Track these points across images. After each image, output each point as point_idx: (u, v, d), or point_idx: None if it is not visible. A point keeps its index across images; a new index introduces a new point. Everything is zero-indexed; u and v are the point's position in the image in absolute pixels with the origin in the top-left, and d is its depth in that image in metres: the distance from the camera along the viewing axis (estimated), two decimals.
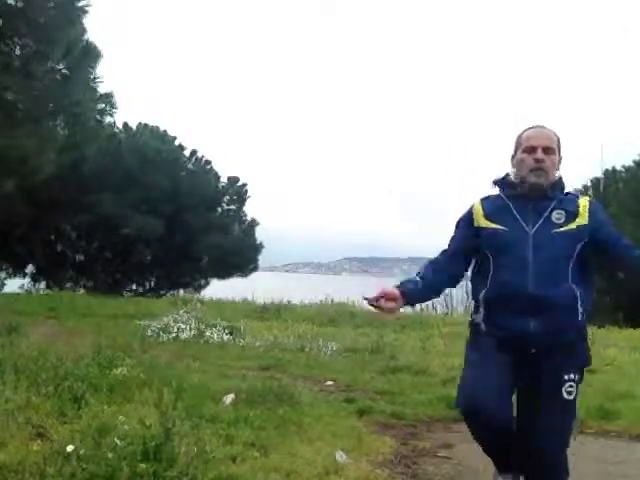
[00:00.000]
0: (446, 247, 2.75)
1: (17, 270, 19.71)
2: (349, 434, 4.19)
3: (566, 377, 2.51)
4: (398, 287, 2.59)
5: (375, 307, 2.54)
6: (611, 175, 20.72)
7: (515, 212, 2.57)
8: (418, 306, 17.74)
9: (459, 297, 17.52)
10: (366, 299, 2.56)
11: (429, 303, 18.00)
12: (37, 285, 19.82)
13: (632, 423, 4.93)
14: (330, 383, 6.35)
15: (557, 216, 2.54)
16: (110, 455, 2.72)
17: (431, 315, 15.40)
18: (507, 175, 2.68)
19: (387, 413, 5.04)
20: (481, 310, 2.61)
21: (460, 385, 2.63)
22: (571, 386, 2.52)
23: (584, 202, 2.59)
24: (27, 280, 19.76)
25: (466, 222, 2.69)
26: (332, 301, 16.10)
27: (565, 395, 2.50)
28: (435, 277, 2.68)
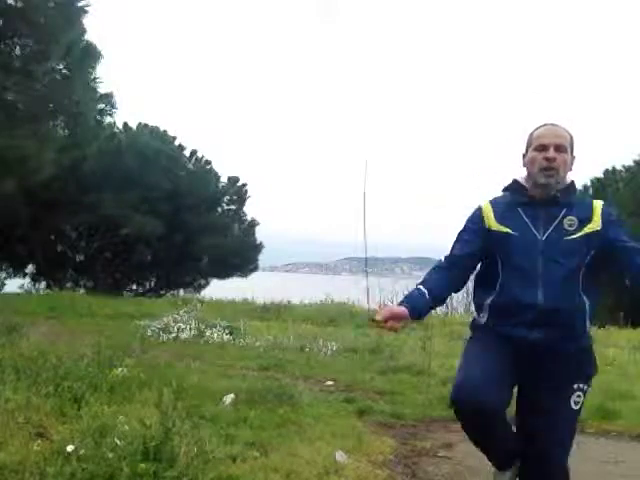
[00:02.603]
0: (451, 250, 2.59)
1: (17, 270, 19.71)
2: (349, 434, 4.19)
3: (576, 386, 2.44)
4: (404, 304, 2.43)
5: (384, 328, 2.40)
6: (611, 175, 20.73)
7: (525, 218, 2.46)
8: None
9: (459, 297, 17.51)
10: (373, 321, 2.41)
11: None
12: (37, 285, 19.83)
13: (632, 423, 4.94)
14: (330, 383, 6.35)
15: (569, 222, 2.43)
16: (110, 455, 2.72)
17: (431, 315, 15.36)
18: (515, 181, 2.57)
19: (387, 413, 5.05)
20: (484, 314, 2.53)
21: (456, 375, 2.48)
22: (579, 396, 2.44)
23: (597, 206, 2.48)
24: (27, 280, 19.78)
25: (476, 223, 2.55)
26: (332, 301, 16.10)
27: (572, 405, 2.43)
28: (442, 286, 2.54)
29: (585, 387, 2.47)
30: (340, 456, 3.57)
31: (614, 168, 20.89)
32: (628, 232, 2.50)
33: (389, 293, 17.17)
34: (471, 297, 2.68)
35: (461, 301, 17.35)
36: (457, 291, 2.64)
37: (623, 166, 20.61)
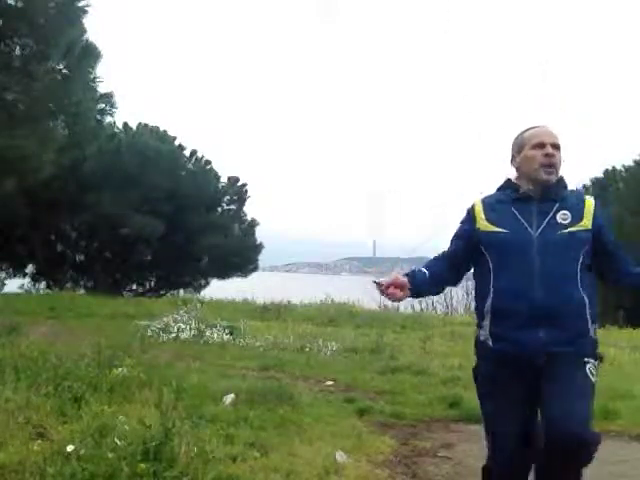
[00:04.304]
0: (447, 248, 2.65)
1: (17, 270, 19.71)
2: (349, 434, 4.19)
3: (586, 359, 2.39)
4: (408, 276, 2.53)
5: (384, 293, 2.52)
6: (611, 175, 20.73)
7: (518, 214, 2.47)
8: (418, 306, 17.78)
9: (459, 297, 17.51)
10: (375, 282, 2.53)
11: (429, 303, 18.04)
12: (37, 285, 19.82)
13: (632, 423, 4.93)
14: (330, 383, 6.35)
15: (562, 217, 2.44)
16: (110, 455, 2.72)
17: (431, 315, 15.41)
18: (508, 180, 2.60)
19: (387, 413, 5.04)
20: (485, 323, 2.48)
21: (490, 446, 2.55)
22: (593, 367, 2.39)
23: (589, 203, 2.50)
24: (27, 280, 19.78)
25: (467, 224, 2.60)
26: (332, 301, 16.10)
27: (589, 374, 2.37)
28: (440, 273, 2.62)
29: (596, 363, 2.43)
30: (340, 456, 3.57)
31: (614, 168, 20.89)
32: (614, 235, 2.54)
33: None
34: (471, 297, 2.69)
35: (461, 301, 17.36)
36: (453, 283, 2.71)
37: (623, 166, 20.62)
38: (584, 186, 20.29)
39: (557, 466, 2.37)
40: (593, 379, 2.39)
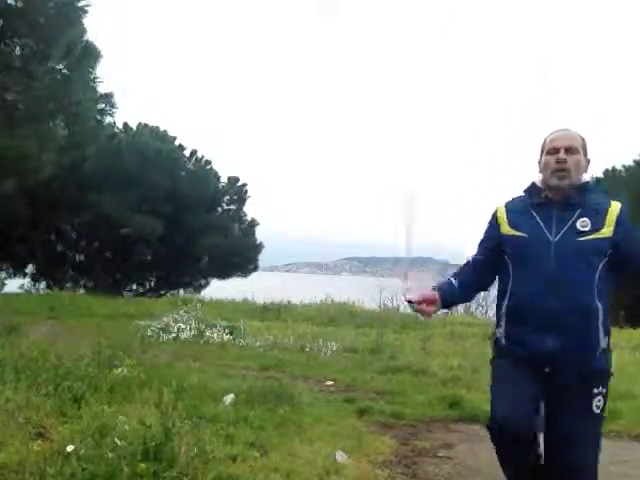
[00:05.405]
0: (477, 251, 2.70)
1: (17, 270, 19.72)
2: (349, 434, 4.19)
3: (596, 390, 2.43)
4: (436, 290, 2.59)
5: (416, 310, 2.59)
6: (611, 175, 20.71)
7: (538, 219, 2.48)
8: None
9: None
10: (409, 301, 2.59)
11: None
12: (37, 285, 19.82)
13: (632, 423, 4.94)
14: (330, 383, 6.35)
15: (583, 224, 2.43)
16: (110, 455, 2.72)
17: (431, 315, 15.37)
18: (533, 183, 2.61)
19: (387, 413, 5.04)
20: (502, 323, 2.54)
21: (492, 407, 2.56)
22: (599, 400, 2.43)
23: (613, 210, 2.47)
24: (27, 280, 19.78)
25: (491, 228, 2.64)
26: (332, 301, 16.11)
27: (595, 409, 2.42)
28: (469, 281, 2.67)
29: (604, 390, 2.46)
30: (340, 456, 3.57)
31: (614, 168, 20.87)
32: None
33: (389, 293, 17.21)
34: (494, 309, 2.70)
35: None
36: (484, 289, 2.77)
37: (623, 166, 20.60)
38: None
39: None
40: (598, 411, 2.43)
